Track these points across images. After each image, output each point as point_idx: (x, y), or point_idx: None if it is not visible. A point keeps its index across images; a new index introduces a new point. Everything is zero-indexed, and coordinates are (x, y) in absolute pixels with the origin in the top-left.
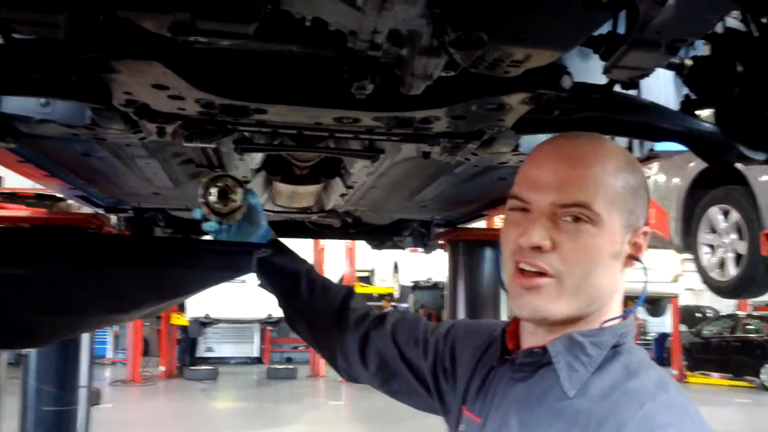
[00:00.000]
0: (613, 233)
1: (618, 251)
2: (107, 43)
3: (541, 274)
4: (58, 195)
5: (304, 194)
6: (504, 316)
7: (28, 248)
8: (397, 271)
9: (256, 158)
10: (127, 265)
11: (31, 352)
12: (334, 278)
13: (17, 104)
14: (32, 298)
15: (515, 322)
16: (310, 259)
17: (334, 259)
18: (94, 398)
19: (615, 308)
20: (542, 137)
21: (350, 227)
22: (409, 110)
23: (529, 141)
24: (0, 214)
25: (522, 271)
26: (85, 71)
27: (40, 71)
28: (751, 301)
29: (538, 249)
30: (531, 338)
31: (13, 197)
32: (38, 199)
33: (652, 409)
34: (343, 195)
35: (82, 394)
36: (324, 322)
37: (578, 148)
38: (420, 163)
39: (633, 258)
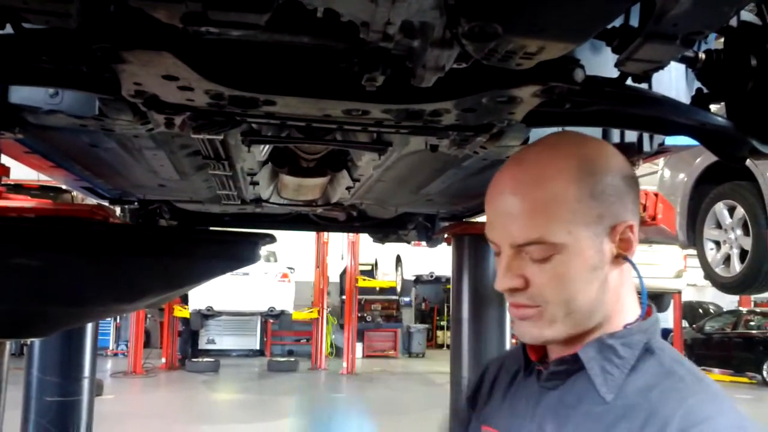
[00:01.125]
0: (582, 250)
1: (596, 263)
2: (118, 34)
3: (529, 307)
4: (63, 186)
5: (311, 187)
6: (508, 312)
7: (34, 238)
8: (400, 264)
9: (263, 150)
10: (132, 255)
11: (35, 343)
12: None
13: (25, 94)
14: (38, 288)
15: None
16: (312, 252)
17: (337, 252)
18: (96, 389)
19: (628, 305)
20: (552, 130)
21: (355, 220)
22: (419, 102)
23: (539, 134)
24: (5, 204)
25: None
26: (94, 61)
27: (50, 61)
28: (753, 297)
29: (513, 290)
30: (557, 347)
31: (18, 188)
32: (42, 191)
33: (695, 404)
34: (349, 188)
35: (86, 385)
36: None
37: (523, 174)
38: (427, 156)
39: (622, 256)
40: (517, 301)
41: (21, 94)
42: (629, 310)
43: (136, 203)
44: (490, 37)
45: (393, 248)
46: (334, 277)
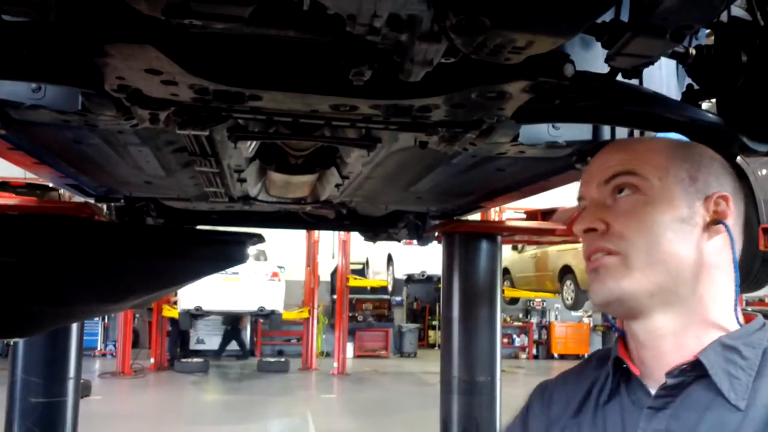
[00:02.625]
0: (670, 198)
1: (685, 216)
2: (100, 26)
3: (608, 254)
4: (49, 184)
5: (299, 184)
6: (498, 310)
7: (16, 235)
8: (392, 263)
9: (250, 147)
10: (118, 254)
11: (19, 343)
12: (328, 270)
13: (8, 89)
14: (21, 287)
15: (621, 351)
16: (303, 250)
17: (328, 251)
18: (84, 390)
19: (721, 288)
20: (542, 127)
21: (345, 218)
22: (408, 98)
23: (529, 131)
24: None
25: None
26: (76, 55)
27: (30, 55)
28: (745, 296)
29: (593, 232)
30: (654, 362)
31: (4, 186)
32: (29, 189)
33: None
34: (338, 185)
35: (71, 385)
36: None
37: (626, 141)
38: (417, 153)
39: (716, 223)
40: (596, 245)
41: (3, 89)
42: (721, 294)
43: (122, 201)
44: (478, 30)
45: (384, 247)
46: (325, 276)
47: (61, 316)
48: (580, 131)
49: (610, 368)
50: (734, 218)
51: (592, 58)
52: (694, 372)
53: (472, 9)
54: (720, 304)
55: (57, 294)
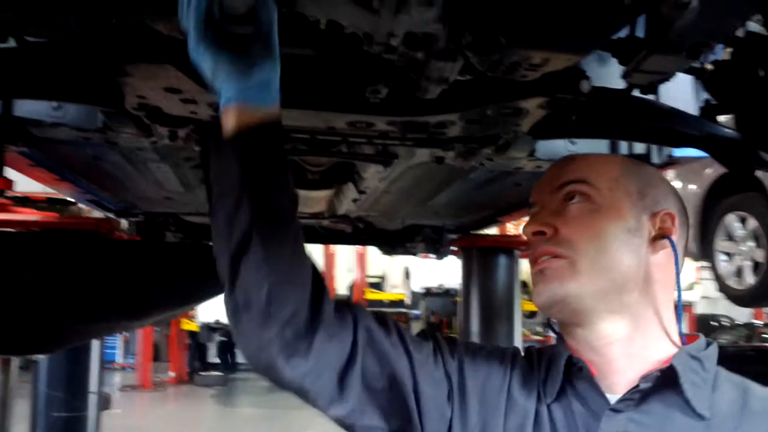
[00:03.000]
0: (619, 208)
1: (632, 227)
2: (120, 47)
3: (555, 257)
4: (69, 199)
5: (316, 199)
6: (518, 324)
7: (41, 253)
8: (409, 277)
9: None
10: (142, 271)
11: (41, 357)
12: (345, 284)
13: (29, 108)
14: (45, 304)
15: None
16: (319, 264)
17: (345, 264)
18: (104, 404)
19: (665, 301)
20: (560, 142)
21: (362, 233)
22: (424, 114)
23: (546, 146)
24: (11, 217)
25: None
26: (97, 75)
27: (53, 74)
28: (767, 309)
29: (542, 235)
30: (605, 367)
31: (25, 201)
32: (49, 203)
33: None
34: (355, 200)
35: (92, 399)
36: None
37: (581, 154)
38: (433, 168)
39: (662, 238)
40: (543, 248)
41: (25, 107)
42: (670, 318)
43: (141, 216)
44: (494, 49)
45: (401, 261)
46: (342, 289)
47: (84, 332)
48: (598, 146)
49: (561, 367)
50: (678, 236)
51: (609, 74)
52: (662, 379)
53: (488, 28)
54: (664, 316)
55: (81, 311)
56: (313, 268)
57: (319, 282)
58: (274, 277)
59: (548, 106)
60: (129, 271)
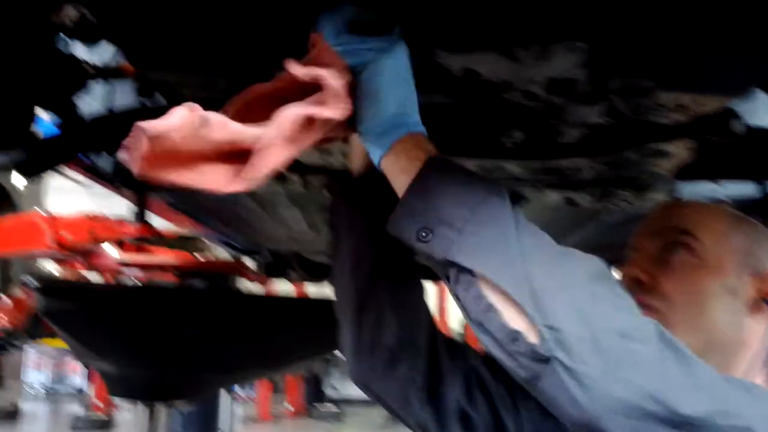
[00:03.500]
0: (722, 265)
1: (733, 286)
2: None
3: (649, 310)
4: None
5: None
6: None
7: (201, 309)
8: None
9: None
10: (292, 329)
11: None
12: (457, 318)
13: None
14: (200, 356)
15: None
16: (432, 301)
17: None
18: None
19: (754, 369)
20: (704, 184)
21: None
22: (559, 158)
23: (689, 188)
24: (152, 260)
25: None
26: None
27: None
28: None
29: (639, 283)
30: None
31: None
32: (180, 240)
33: None
34: (445, 279)
35: None
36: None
37: (689, 201)
38: (564, 209)
39: (763, 302)
40: (637, 297)
41: None
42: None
43: (267, 254)
44: (642, 92)
45: None
46: (455, 323)
47: (225, 381)
48: (745, 187)
49: None
50: None
51: (758, 110)
52: None
53: (636, 71)
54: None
55: (228, 362)
56: (428, 308)
57: (434, 324)
58: (399, 321)
59: (695, 149)
60: (273, 325)
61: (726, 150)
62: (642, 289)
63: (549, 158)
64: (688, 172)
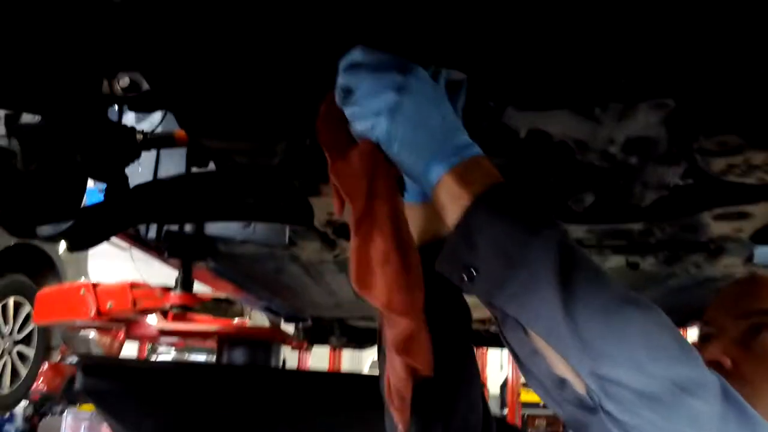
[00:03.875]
0: None
1: None
2: (315, 167)
3: None
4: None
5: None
6: None
7: (241, 388)
8: None
9: None
10: (335, 408)
11: None
12: (497, 383)
13: (220, 226)
14: None
15: None
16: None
17: (496, 361)
18: None
19: None
20: None
21: None
22: (630, 221)
23: (765, 252)
24: (193, 328)
25: None
26: (292, 195)
27: (251, 197)
28: None
29: (720, 367)
30: None
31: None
32: (215, 302)
33: None
34: (495, 319)
35: None
36: None
37: None
38: (624, 273)
39: None
40: None
41: (216, 226)
42: None
43: (309, 320)
44: (732, 151)
45: None
46: (494, 388)
47: None
48: None
49: None
50: None
51: None
52: None
53: (725, 128)
54: None
55: None
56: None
57: (488, 410)
58: (451, 406)
59: None
60: (314, 405)
61: None
62: (723, 374)
63: (621, 222)
64: (766, 234)
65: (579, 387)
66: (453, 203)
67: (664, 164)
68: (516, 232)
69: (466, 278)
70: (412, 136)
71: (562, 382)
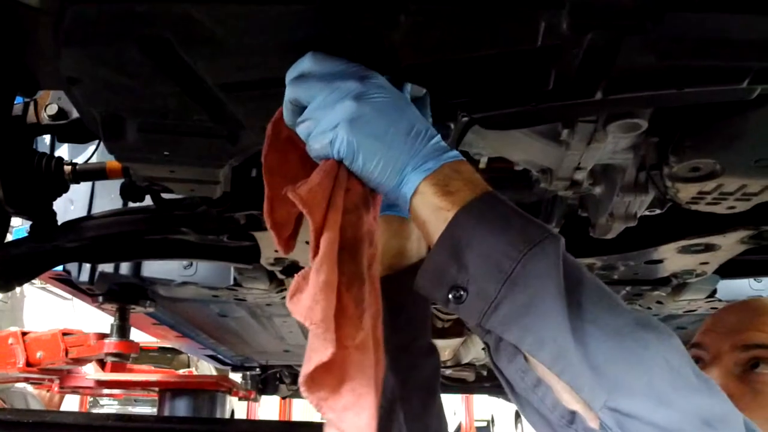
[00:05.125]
0: None
1: None
2: (261, 201)
3: None
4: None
5: (444, 347)
6: None
7: None
8: (520, 421)
9: None
10: None
11: None
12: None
13: (159, 267)
14: None
15: None
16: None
17: (450, 406)
18: None
19: None
20: (743, 282)
21: (485, 380)
22: (589, 256)
23: (728, 286)
24: (134, 378)
25: None
26: (235, 231)
27: (190, 233)
28: None
29: None
30: None
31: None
32: (161, 352)
33: None
34: (485, 348)
35: None
36: None
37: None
38: None
39: None
40: None
41: (153, 268)
42: None
43: (257, 369)
44: (705, 177)
45: (511, 403)
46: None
47: None
48: None
49: None
50: None
51: None
52: None
53: (700, 152)
54: None
55: None
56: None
57: None
58: None
59: (750, 241)
60: None
61: None
62: None
63: (581, 257)
64: (734, 268)
65: (591, 421)
66: (434, 215)
67: (632, 192)
68: (510, 246)
69: (452, 299)
70: (377, 145)
71: (571, 417)
